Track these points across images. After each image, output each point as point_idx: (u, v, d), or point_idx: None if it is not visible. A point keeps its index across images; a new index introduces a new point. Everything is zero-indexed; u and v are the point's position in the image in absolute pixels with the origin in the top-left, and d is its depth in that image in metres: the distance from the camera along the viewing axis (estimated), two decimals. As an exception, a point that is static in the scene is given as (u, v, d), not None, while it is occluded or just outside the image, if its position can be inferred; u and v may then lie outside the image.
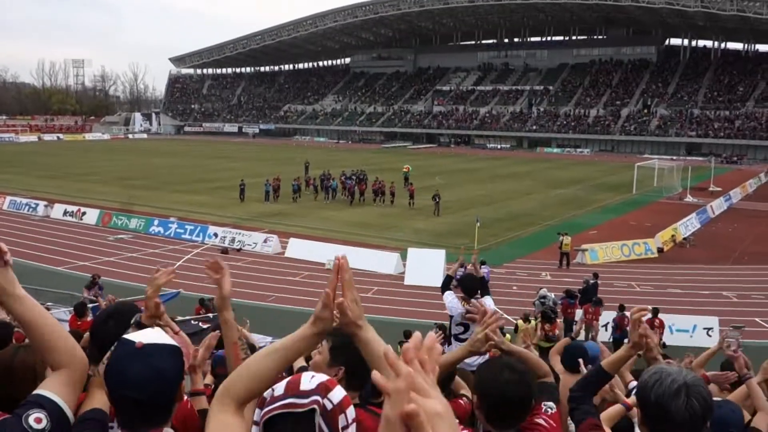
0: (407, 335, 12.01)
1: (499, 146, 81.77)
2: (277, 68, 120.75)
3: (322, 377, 1.58)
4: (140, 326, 2.17)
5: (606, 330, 15.40)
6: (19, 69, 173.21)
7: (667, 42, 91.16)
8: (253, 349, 4.52)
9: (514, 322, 14.07)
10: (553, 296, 15.98)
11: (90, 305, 11.53)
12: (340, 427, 1.51)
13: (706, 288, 19.88)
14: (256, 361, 1.69)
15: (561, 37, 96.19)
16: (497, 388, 2.24)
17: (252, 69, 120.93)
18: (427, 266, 19.60)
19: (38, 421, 1.76)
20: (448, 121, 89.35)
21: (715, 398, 3.45)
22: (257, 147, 77.65)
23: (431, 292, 16.59)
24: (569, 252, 22.29)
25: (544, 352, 8.16)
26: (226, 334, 2.39)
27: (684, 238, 26.61)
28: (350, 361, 2.33)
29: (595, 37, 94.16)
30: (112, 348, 1.71)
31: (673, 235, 26.14)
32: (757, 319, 16.69)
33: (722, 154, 67.27)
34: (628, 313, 14.29)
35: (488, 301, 6.42)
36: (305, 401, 1.52)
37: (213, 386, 3.99)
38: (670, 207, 35.19)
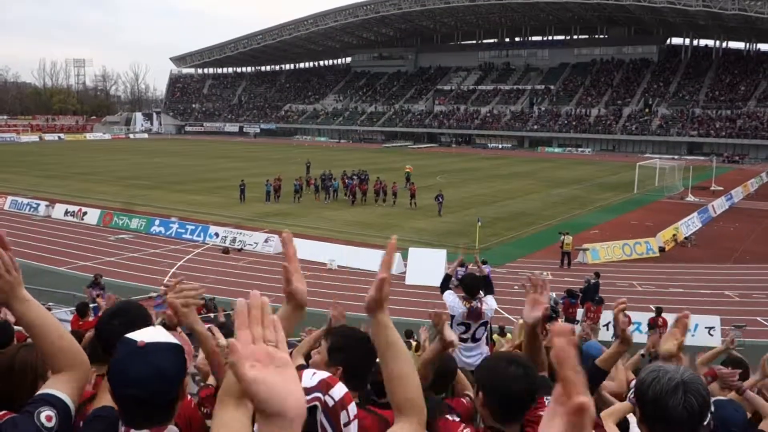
0: (408, 335, 12.03)
1: (500, 146, 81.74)
2: (278, 68, 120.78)
3: (323, 374, 1.60)
4: (166, 328, 2.19)
5: (607, 330, 15.41)
6: (21, 69, 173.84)
7: (668, 41, 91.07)
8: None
9: (515, 322, 14.07)
10: (554, 296, 15.97)
11: (92, 305, 11.55)
12: (341, 423, 1.52)
13: (708, 287, 19.87)
14: None
15: (562, 37, 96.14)
16: (504, 383, 2.24)
17: (253, 68, 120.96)
18: (428, 266, 19.59)
19: (49, 419, 1.79)
20: (449, 121, 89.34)
21: (718, 397, 3.46)
22: (258, 147, 77.66)
23: (432, 291, 16.58)
24: (570, 251, 22.29)
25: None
26: (202, 346, 2.40)
27: (685, 238, 26.59)
28: (348, 361, 2.34)
29: (597, 36, 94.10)
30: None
31: (674, 235, 26.13)
32: (758, 318, 16.69)
33: (724, 153, 67.20)
34: (630, 313, 14.29)
35: (491, 301, 6.43)
36: (307, 398, 1.53)
37: (215, 386, 3.99)
38: (672, 206, 35.17)
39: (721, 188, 40.89)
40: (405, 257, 21.10)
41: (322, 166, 42.50)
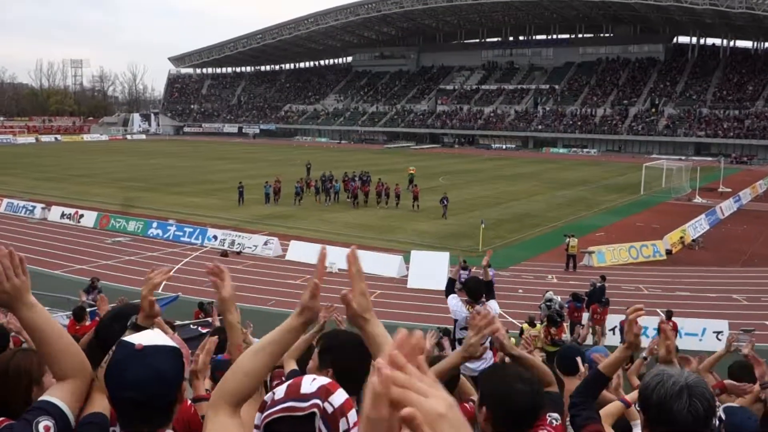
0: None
1: (503, 146, 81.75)
2: (277, 67, 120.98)
3: (323, 380, 1.60)
4: (137, 328, 2.19)
5: (614, 334, 15.39)
6: (17, 69, 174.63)
7: (675, 40, 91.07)
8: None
9: (519, 326, 14.06)
10: (559, 299, 15.93)
11: (89, 309, 11.55)
12: (341, 430, 1.53)
13: (716, 291, 19.84)
14: (245, 359, 1.71)
15: (567, 35, 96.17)
16: (509, 399, 2.23)
17: (252, 68, 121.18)
18: (430, 269, 19.59)
19: (47, 429, 1.80)
20: (452, 121, 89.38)
21: (729, 404, 3.46)
22: (257, 148, 77.74)
23: (435, 295, 16.61)
24: (576, 254, 22.27)
25: (550, 357, 8.15)
26: (231, 337, 2.40)
27: (693, 240, 26.56)
28: (337, 363, 2.35)
29: (602, 35, 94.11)
30: (112, 350, 1.73)
31: (681, 237, 26.10)
32: (767, 322, 16.64)
33: (732, 154, 67.14)
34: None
35: (493, 305, 6.43)
36: (305, 404, 1.53)
37: (211, 391, 4.00)
38: (679, 208, 35.13)
39: (729, 190, 40.83)
40: (407, 260, 21.11)
41: (322, 167, 42.52)
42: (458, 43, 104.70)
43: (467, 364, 6.09)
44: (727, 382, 4.17)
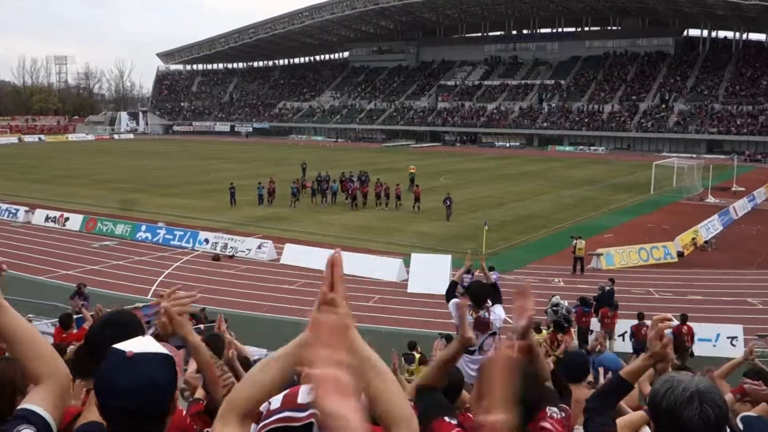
0: (412, 347, 12.02)
1: (507, 144, 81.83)
2: (271, 63, 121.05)
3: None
4: (158, 338, 2.20)
5: (623, 340, 15.40)
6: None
7: (685, 33, 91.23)
8: (246, 362, 4.53)
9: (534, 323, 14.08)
10: (566, 304, 15.94)
11: (75, 316, 11.55)
12: None
13: (730, 294, 19.85)
14: (258, 370, 1.71)
15: (573, 29, 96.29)
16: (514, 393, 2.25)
17: (245, 64, 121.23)
18: (432, 272, 19.59)
19: None
20: (454, 118, 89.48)
21: (747, 413, 3.45)
22: (251, 147, 77.75)
23: (436, 300, 16.60)
24: (583, 257, 22.28)
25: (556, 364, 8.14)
26: (196, 358, 2.41)
27: (705, 242, 26.59)
28: None
29: (609, 28, 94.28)
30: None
31: (693, 238, 26.12)
32: (784, 327, 16.65)
33: (745, 151, 67.23)
34: (648, 322, 14.28)
35: (499, 310, 6.42)
36: (302, 415, 1.53)
37: (204, 401, 4.01)
38: (691, 208, 35.18)
39: (743, 189, 40.87)
40: (407, 264, 21.11)
41: (318, 167, 42.52)
42: (460, 37, 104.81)
43: (471, 372, 6.09)
44: (747, 385, 4.16)
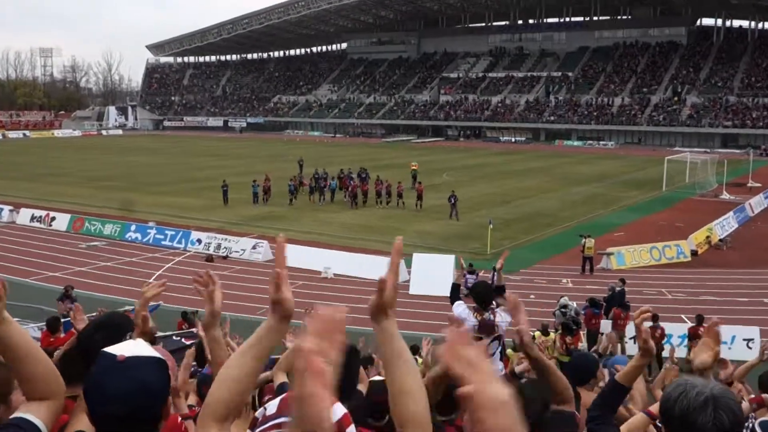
0: (414, 351, 12.03)
1: (513, 139, 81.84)
2: (266, 55, 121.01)
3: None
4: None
5: (634, 343, 15.39)
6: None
7: (698, 22, 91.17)
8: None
9: (531, 334, 14.09)
10: (575, 305, 15.95)
11: (63, 320, 11.55)
12: None
13: (745, 295, 19.85)
14: (230, 366, 1.72)
15: (581, 18, 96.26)
16: None
17: (238, 56, 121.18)
18: (434, 273, 19.58)
19: None
20: (457, 112, 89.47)
21: (765, 419, 3.46)
22: (245, 143, 77.75)
23: (439, 302, 16.59)
24: (592, 256, 22.28)
25: (564, 367, 8.16)
26: (216, 354, 2.41)
27: (720, 240, 26.59)
28: None
29: (619, 17, 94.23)
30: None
31: (707, 237, 26.12)
32: (802, 329, 16.65)
33: (761, 145, 67.19)
34: (662, 324, 14.29)
35: (504, 312, 6.43)
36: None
37: (197, 407, 4.02)
38: (705, 205, 35.17)
39: (759, 185, 40.88)
40: (408, 264, 21.10)
41: (315, 163, 42.53)
42: (463, 28, 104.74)
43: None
44: (765, 396, 4.18)
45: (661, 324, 14.20)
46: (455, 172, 47.51)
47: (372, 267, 21.32)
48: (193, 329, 12.45)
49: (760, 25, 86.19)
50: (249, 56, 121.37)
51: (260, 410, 1.62)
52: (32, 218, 29.91)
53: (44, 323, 11.43)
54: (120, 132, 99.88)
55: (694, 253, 24.37)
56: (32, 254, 24.41)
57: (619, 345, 14.56)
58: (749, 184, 41.56)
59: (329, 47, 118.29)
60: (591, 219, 30.98)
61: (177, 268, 22.65)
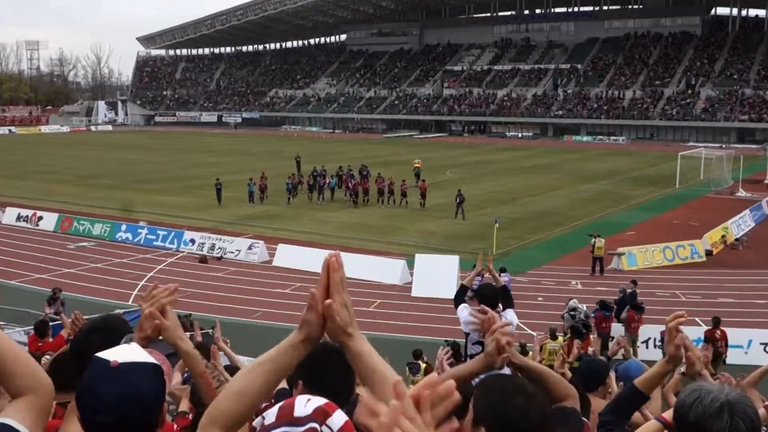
0: (417, 355, 12.03)
1: (519, 134, 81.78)
2: (261, 47, 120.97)
3: (319, 401, 1.60)
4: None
5: (647, 347, 15.40)
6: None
7: (713, 11, 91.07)
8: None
9: (535, 337, 14.07)
10: (584, 308, 15.97)
11: (52, 324, 11.57)
12: None
13: (763, 297, 19.84)
14: (240, 378, 1.71)
15: (590, 8, 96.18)
16: (508, 416, 2.20)
17: (233, 49, 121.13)
18: (438, 275, 19.60)
19: None
20: (461, 107, 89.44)
21: None
22: (240, 139, 77.78)
23: (443, 305, 16.61)
24: (603, 256, 22.28)
25: (573, 373, 8.15)
26: (191, 367, 2.42)
27: (736, 239, 26.56)
28: (306, 373, 2.36)
29: (630, 6, 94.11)
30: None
31: (723, 236, 26.11)
32: (822, 332, 16.63)
33: (779, 140, 67.17)
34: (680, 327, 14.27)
35: (510, 315, 6.43)
36: (300, 429, 1.53)
37: (190, 414, 4.03)
38: (720, 203, 35.16)
39: (777, 181, 40.88)
40: (411, 265, 21.11)
41: (313, 160, 42.53)
42: (467, 18, 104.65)
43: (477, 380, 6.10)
44: None
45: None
46: (459, 169, 47.50)
47: (372, 268, 21.35)
48: (187, 333, 12.46)
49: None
50: (244, 48, 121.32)
51: (258, 419, 1.62)
52: (18, 218, 29.93)
53: (32, 327, 11.44)
54: (110, 128, 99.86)
55: (708, 253, 24.34)
56: (18, 255, 24.43)
57: (630, 349, 14.55)
58: (766, 181, 41.52)
59: (327, 39, 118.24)
60: (601, 218, 30.97)
61: (169, 270, 22.67)
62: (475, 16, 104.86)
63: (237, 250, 24.45)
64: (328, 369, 2.38)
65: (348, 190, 34.80)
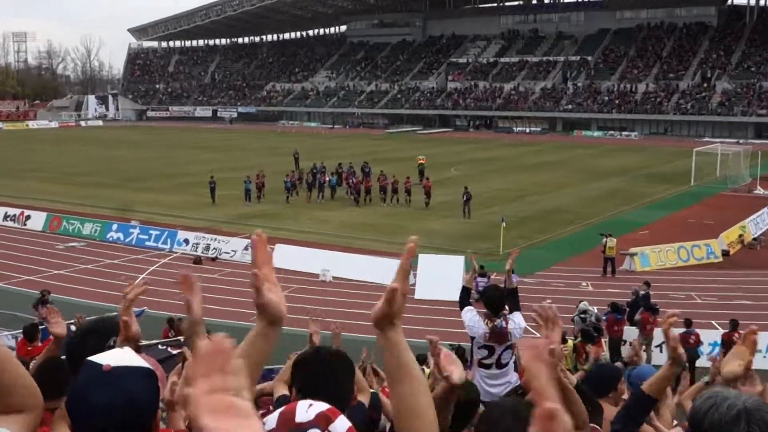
0: (421, 361, 12.01)
1: (527, 130, 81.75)
2: (258, 39, 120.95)
3: (321, 406, 1.60)
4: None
5: (661, 351, 15.37)
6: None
7: (729, 1, 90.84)
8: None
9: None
10: (595, 311, 15.95)
11: (41, 327, 11.59)
12: None
13: (782, 299, 19.83)
14: None
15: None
16: None
17: (228, 41, 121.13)
18: (442, 276, 19.61)
19: None
20: (466, 101, 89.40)
21: None
22: (236, 134, 77.81)
23: (448, 307, 16.61)
24: (614, 257, 22.30)
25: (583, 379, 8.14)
26: None
27: (754, 239, 26.55)
28: (300, 381, 2.40)
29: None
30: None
31: (740, 235, 26.09)
32: (843, 336, 16.61)
33: (799, 135, 67.08)
34: (697, 330, 14.28)
35: (518, 318, 6.43)
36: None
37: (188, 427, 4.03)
38: (737, 201, 35.11)
39: (797, 178, 40.83)
40: (414, 266, 21.10)
41: (312, 157, 42.53)
42: (472, 8, 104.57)
43: (489, 389, 6.10)
44: None
45: (694, 330, 14.21)
46: (464, 166, 47.48)
47: (374, 269, 21.33)
48: (180, 337, 12.48)
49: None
50: (240, 40, 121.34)
51: (258, 425, 1.62)
52: (5, 217, 29.96)
53: (20, 331, 11.47)
54: (100, 123, 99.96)
55: (725, 254, 24.33)
56: (5, 256, 24.46)
57: (645, 353, 14.54)
58: (785, 178, 41.50)
59: (327, 30, 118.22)
60: (613, 216, 30.95)
61: (162, 271, 22.68)
62: (480, 6, 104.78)
63: (233, 251, 24.47)
64: (323, 376, 2.39)
65: (349, 188, 34.76)
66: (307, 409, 1.59)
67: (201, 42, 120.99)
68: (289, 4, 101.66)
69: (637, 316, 15.75)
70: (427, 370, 11.90)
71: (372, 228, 28.38)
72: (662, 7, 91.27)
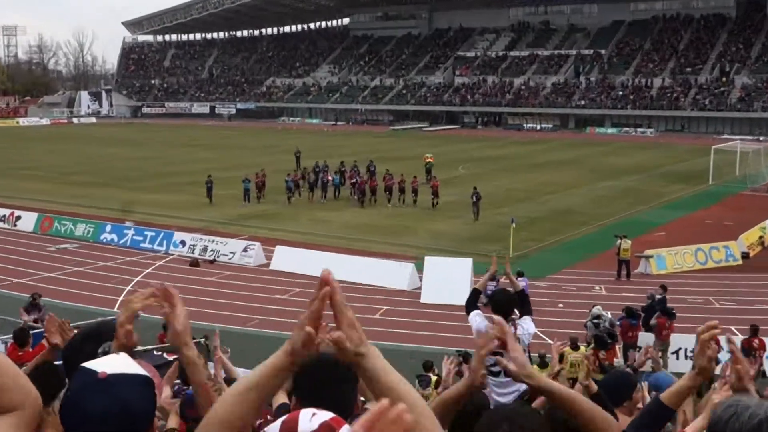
0: (427, 367, 12.02)
1: (538, 126, 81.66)
2: (257, 33, 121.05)
3: (325, 415, 1.60)
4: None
5: (677, 358, 15.35)
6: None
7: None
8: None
9: (552, 344, 14.03)
10: (609, 316, 15.92)
11: (33, 332, 11.62)
12: None
13: (804, 303, 19.77)
14: (225, 404, 1.70)
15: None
16: None
17: (226, 34, 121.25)
18: (449, 279, 19.59)
19: None
20: (474, 96, 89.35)
21: None
22: (234, 132, 77.87)
23: (454, 312, 16.59)
24: (629, 259, 22.23)
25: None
26: (192, 375, 2.43)
27: (775, 241, 26.50)
28: (301, 388, 2.39)
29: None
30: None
31: (760, 237, 26.03)
32: None
33: (822, 132, 66.85)
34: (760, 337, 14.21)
35: (527, 323, 6.43)
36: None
37: (179, 430, 4.05)
38: (757, 201, 35.03)
39: (820, 177, 40.71)
40: (420, 269, 21.11)
41: (314, 155, 42.56)
42: (480, 0, 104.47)
43: (497, 398, 6.09)
44: None
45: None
46: (472, 165, 47.45)
47: (378, 272, 21.36)
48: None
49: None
50: (238, 34, 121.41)
51: (259, 435, 1.62)
52: (-5, 218, 30.07)
53: (10, 335, 11.49)
54: (93, 120, 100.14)
55: (745, 256, 24.27)
56: (-5, 258, 24.55)
57: (660, 360, 14.51)
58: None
59: (329, 23, 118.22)
60: (627, 217, 30.90)
61: (158, 274, 22.69)
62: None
63: (231, 253, 24.49)
64: (325, 383, 2.39)
65: (354, 188, 34.62)
66: (310, 419, 1.59)
67: (198, 35, 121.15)
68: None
69: (653, 321, 15.72)
70: (434, 378, 11.86)
71: (376, 229, 28.36)
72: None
